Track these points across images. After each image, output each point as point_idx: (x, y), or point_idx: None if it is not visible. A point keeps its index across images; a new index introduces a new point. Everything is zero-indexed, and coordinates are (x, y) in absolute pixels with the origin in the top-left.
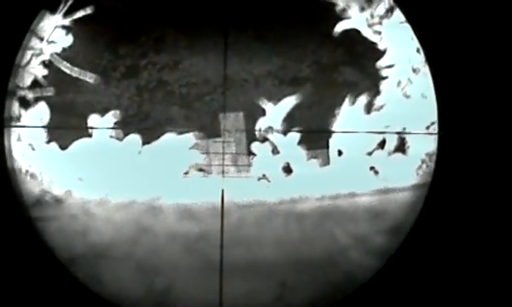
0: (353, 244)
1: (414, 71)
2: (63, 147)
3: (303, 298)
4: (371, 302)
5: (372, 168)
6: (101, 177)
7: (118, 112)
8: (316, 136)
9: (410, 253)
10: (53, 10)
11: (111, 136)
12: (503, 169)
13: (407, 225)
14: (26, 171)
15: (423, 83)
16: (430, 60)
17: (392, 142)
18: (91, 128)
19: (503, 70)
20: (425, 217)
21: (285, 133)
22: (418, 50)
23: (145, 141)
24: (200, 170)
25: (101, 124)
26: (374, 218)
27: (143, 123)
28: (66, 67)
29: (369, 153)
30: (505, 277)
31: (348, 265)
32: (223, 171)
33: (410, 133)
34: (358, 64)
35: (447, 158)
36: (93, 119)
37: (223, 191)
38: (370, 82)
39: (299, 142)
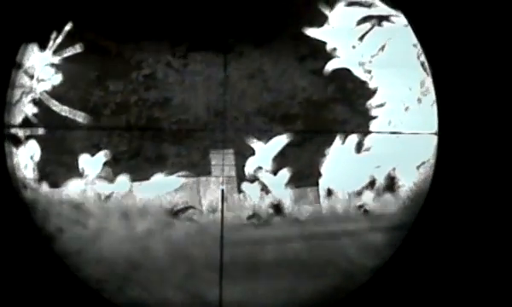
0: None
1: (406, 109)
2: (54, 185)
3: (303, 298)
4: (371, 302)
5: (361, 207)
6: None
7: (108, 151)
8: (306, 175)
9: (410, 253)
10: (42, 47)
11: (100, 177)
12: (503, 169)
13: (407, 225)
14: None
15: (414, 122)
16: (430, 60)
17: (382, 182)
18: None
19: (502, 70)
20: (425, 217)
21: (275, 172)
22: (410, 89)
23: (135, 179)
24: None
25: (92, 163)
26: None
27: (133, 160)
28: (55, 106)
29: (359, 193)
30: (505, 277)
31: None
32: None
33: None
34: (349, 102)
35: (447, 158)
36: (83, 159)
37: (223, 191)
38: (361, 120)
39: (289, 181)
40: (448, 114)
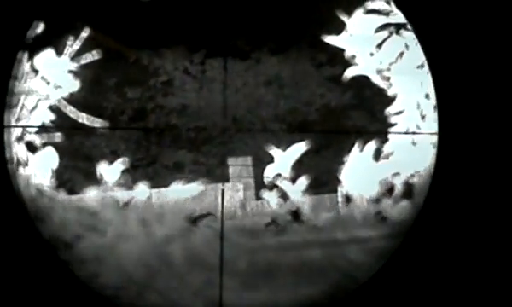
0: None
1: (422, 118)
2: (72, 192)
3: (303, 298)
4: (371, 301)
5: (379, 213)
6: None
7: (126, 159)
8: (324, 182)
9: (410, 253)
10: (59, 53)
11: (119, 184)
12: (503, 169)
13: (407, 225)
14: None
15: (432, 129)
16: (430, 60)
17: (400, 188)
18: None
19: (502, 70)
20: (424, 217)
21: (294, 180)
22: (427, 96)
23: (153, 186)
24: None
25: (110, 170)
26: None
27: (151, 167)
28: (72, 113)
29: (377, 200)
30: (505, 277)
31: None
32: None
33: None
34: (367, 108)
35: (447, 158)
36: (102, 167)
37: (223, 190)
38: (379, 127)
39: (308, 188)
40: (448, 115)
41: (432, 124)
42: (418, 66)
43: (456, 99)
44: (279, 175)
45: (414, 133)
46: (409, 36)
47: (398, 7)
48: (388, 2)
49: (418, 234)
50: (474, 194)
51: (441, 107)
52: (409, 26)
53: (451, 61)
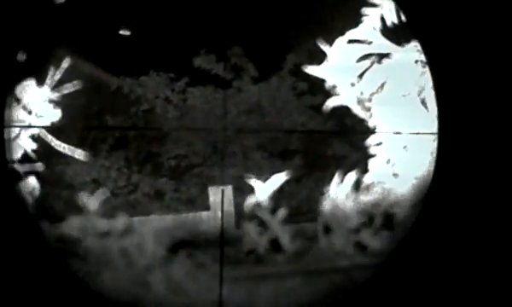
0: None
1: (404, 148)
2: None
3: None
4: (371, 302)
5: (358, 243)
6: None
7: (106, 189)
8: (304, 211)
9: (410, 253)
10: (40, 83)
11: (100, 212)
12: (503, 169)
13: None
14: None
15: (413, 162)
16: (430, 60)
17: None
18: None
19: (502, 70)
20: (424, 217)
21: (273, 209)
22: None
23: (133, 215)
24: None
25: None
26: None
27: (132, 195)
28: (53, 142)
29: (357, 231)
30: (505, 277)
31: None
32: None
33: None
34: (348, 138)
35: (447, 158)
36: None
37: (223, 191)
38: (359, 157)
39: (288, 217)
40: (448, 115)
41: (414, 152)
42: (402, 97)
43: (457, 98)
44: (259, 204)
45: (413, 134)
46: (391, 66)
47: (398, 6)
48: (372, 30)
49: (418, 234)
50: (475, 193)
51: (441, 107)
52: (392, 55)
53: (451, 61)
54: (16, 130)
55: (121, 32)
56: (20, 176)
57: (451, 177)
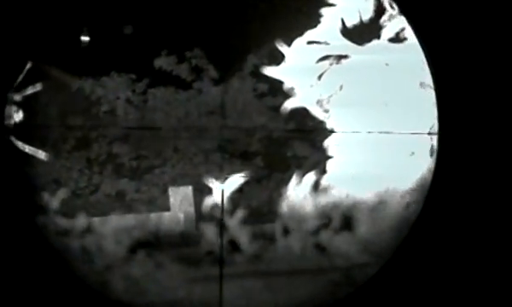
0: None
1: (362, 148)
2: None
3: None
4: (371, 302)
5: (318, 246)
6: None
7: (66, 189)
8: (263, 213)
9: (410, 253)
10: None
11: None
12: (503, 169)
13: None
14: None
15: (371, 162)
16: (430, 60)
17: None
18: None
19: (502, 70)
20: (425, 217)
21: (232, 211)
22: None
23: (94, 215)
24: None
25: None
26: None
27: (93, 196)
28: (16, 143)
29: (315, 232)
30: (505, 277)
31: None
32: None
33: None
34: (308, 139)
35: (447, 158)
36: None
37: (222, 191)
38: (319, 158)
39: (247, 219)
40: (448, 114)
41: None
42: (360, 98)
43: (457, 98)
44: (217, 205)
45: (413, 134)
46: (349, 66)
47: (397, 4)
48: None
49: (418, 234)
50: (475, 193)
51: (441, 107)
52: (350, 56)
53: (451, 60)
54: None
55: (82, 38)
56: None
57: (451, 178)
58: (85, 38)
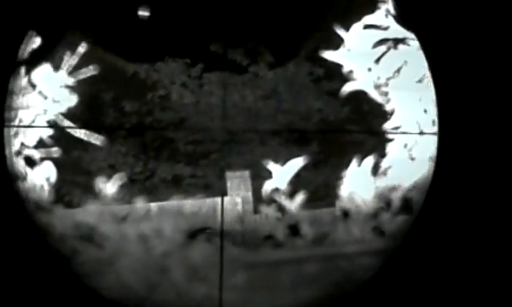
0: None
1: (421, 133)
2: (70, 207)
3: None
4: (371, 301)
5: (376, 228)
6: None
7: (123, 174)
8: (322, 197)
9: (410, 253)
10: (56, 68)
11: (117, 198)
12: (503, 169)
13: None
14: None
15: (430, 146)
16: (430, 59)
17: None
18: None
19: (502, 70)
20: (424, 217)
21: (291, 194)
22: (425, 111)
23: (151, 200)
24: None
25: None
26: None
27: (149, 181)
28: (70, 128)
29: (375, 215)
30: (505, 277)
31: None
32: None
33: None
34: (365, 123)
35: (447, 158)
36: (99, 181)
37: (223, 193)
38: (377, 142)
39: (306, 203)
40: (448, 114)
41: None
42: (417, 81)
43: (457, 98)
44: (277, 189)
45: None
46: (407, 51)
47: (398, 7)
48: (387, 16)
49: (418, 233)
50: (475, 193)
51: (441, 107)
52: (407, 40)
53: (451, 60)
54: (32, 115)
55: (140, 13)
56: (35, 163)
57: (451, 178)
58: (145, 13)
